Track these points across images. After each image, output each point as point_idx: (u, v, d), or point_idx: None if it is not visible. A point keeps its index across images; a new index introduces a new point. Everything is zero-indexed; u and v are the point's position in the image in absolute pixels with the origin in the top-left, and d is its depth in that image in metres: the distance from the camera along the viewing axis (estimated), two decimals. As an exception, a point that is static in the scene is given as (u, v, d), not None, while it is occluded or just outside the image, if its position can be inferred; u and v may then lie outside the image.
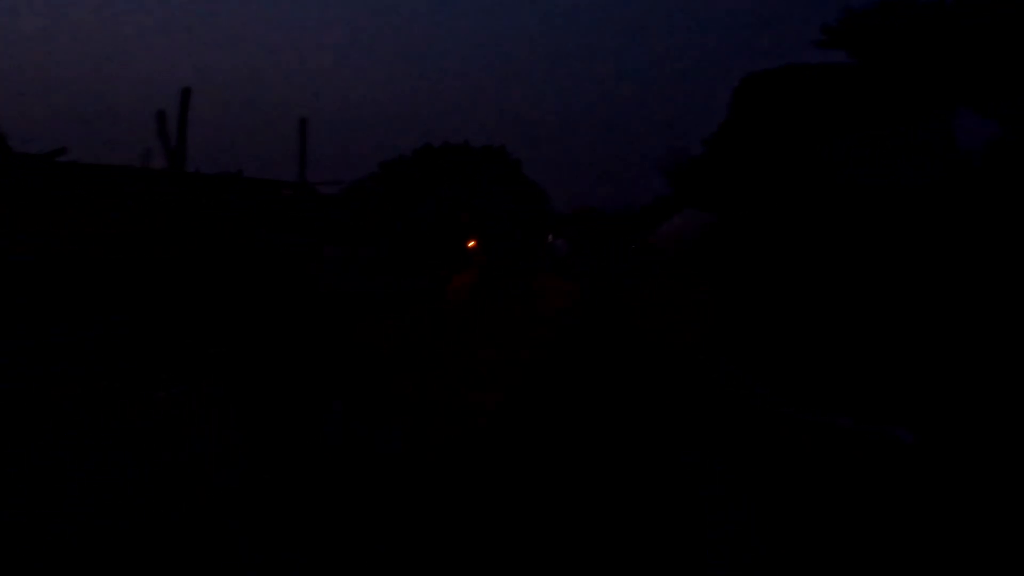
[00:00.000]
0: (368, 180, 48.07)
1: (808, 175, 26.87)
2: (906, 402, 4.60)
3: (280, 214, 9.70)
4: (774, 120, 30.98)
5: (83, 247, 5.88)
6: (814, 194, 23.91)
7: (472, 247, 11.20)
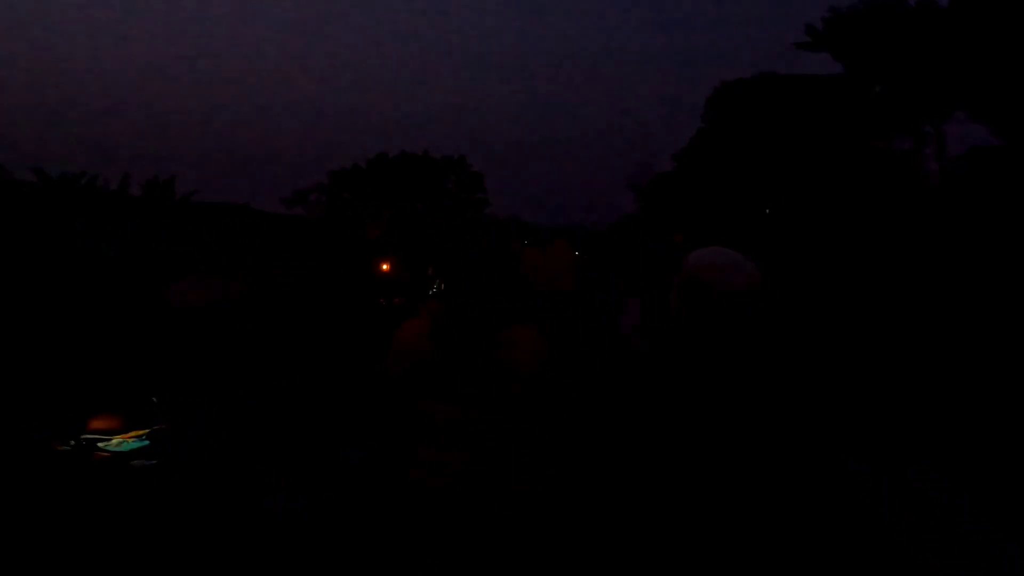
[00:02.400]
0: (313, 190, 44.74)
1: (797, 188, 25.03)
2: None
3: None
4: (751, 130, 29.31)
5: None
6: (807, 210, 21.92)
7: (388, 271, 8.10)
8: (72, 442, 2.41)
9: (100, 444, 2.42)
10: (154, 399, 2.65)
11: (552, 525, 1.49)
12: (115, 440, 2.44)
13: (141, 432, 2.52)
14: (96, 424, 2.49)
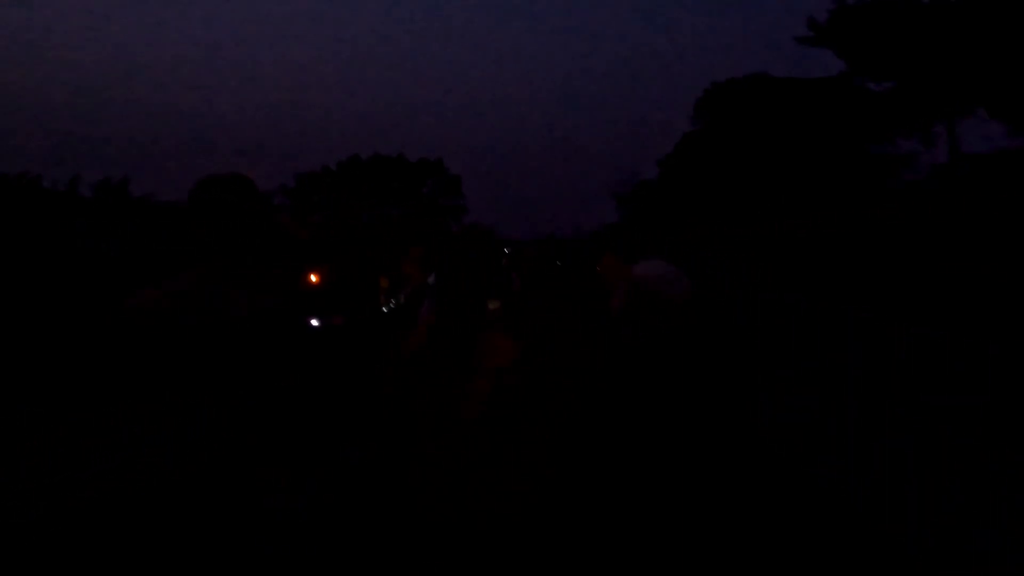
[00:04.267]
0: (277, 192, 42.06)
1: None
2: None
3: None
4: (742, 133, 27.82)
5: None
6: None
7: (317, 282, 6.11)
8: None
9: None
10: None
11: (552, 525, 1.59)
12: None
13: None
14: None
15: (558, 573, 1.62)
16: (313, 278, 6.36)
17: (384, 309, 7.41)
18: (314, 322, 7.25)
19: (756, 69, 28.68)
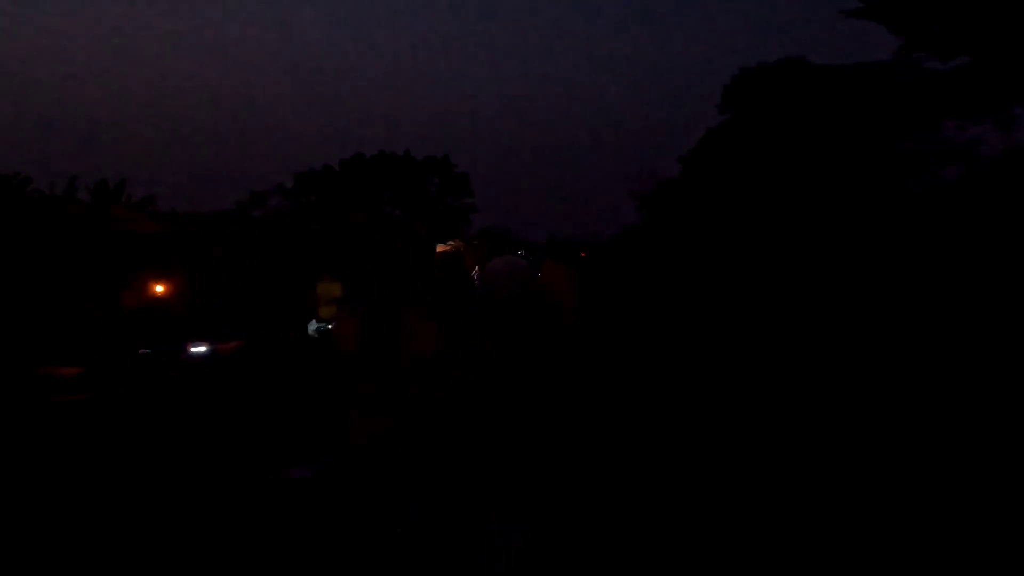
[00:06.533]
0: (274, 192, 39.88)
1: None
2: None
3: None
4: (776, 124, 25.43)
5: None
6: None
7: (166, 292, 4.09)
8: None
9: None
10: None
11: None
12: None
13: None
14: None
15: None
16: (159, 289, 4.40)
17: (328, 326, 5.29)
18: (196, 349, 5.14)
19: (791, 53, 26.21)
